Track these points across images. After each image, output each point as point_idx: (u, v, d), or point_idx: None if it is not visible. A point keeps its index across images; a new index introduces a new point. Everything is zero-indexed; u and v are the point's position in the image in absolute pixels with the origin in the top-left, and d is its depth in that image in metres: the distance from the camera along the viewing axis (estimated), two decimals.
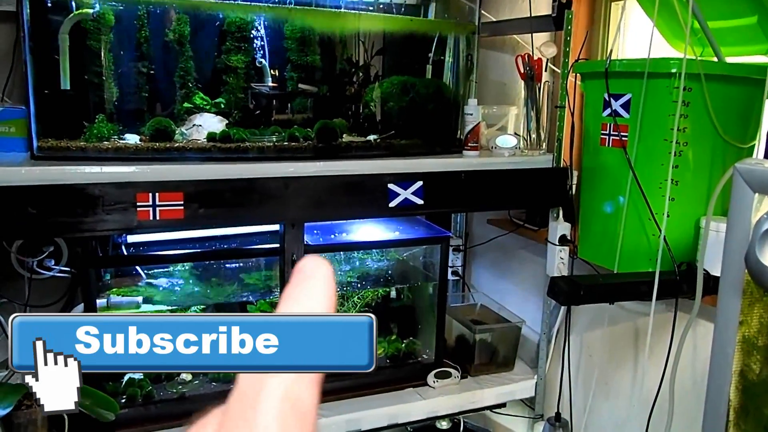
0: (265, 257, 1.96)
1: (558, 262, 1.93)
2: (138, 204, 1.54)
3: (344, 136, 1.89)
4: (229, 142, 1.73)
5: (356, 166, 1.76)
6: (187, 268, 2.01)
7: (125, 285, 1.92)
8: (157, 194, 1.56)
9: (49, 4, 1.67)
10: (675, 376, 1.52)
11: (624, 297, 1.61)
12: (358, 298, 2.09)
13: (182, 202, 1.58)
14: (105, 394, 1.61)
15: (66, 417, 1.60)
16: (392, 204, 1.76)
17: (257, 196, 1.66)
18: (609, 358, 1.98)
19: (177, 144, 1.70)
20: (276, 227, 1.97)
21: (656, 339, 1.69)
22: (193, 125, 1.81)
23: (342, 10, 2.09)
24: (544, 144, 2.04)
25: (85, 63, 1.72)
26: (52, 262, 1.94)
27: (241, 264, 2.06)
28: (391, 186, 1.76)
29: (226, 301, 1.96)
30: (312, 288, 0.30)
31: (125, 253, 1.95)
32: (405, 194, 1.77)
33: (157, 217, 1.57)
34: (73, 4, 1.69)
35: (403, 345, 2.09)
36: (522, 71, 2.04)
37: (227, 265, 2.04)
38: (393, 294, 2.16)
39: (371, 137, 1.93)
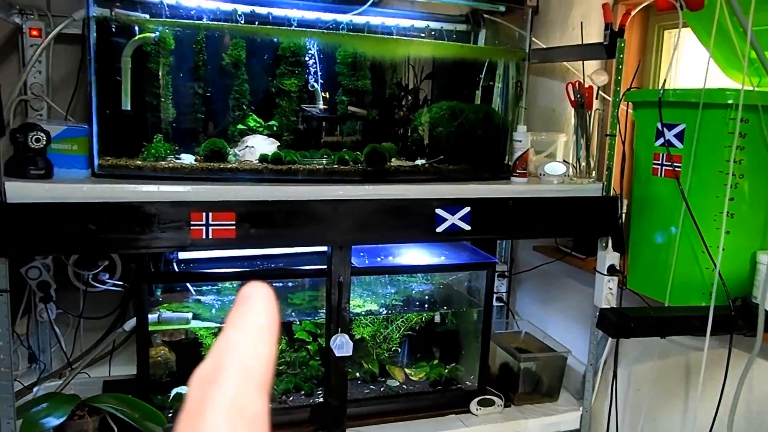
0: (311, 278, 1.98)
1: (606, 293, 1.90)
2: (192, 223, 1.58)
3: (393, 160, 1.90)
4: (280, 163, 1.76)
5: (404, 190, 1.78)
6: (234, 285, 2.04)
7: (175, 300, 1.97)
8: (210, 214, 1.60)
9: (114, 28, 1.74)
10: (734, 415, 1.47)
11: (676, 331, 1.57)
12: (402, 321, 2.09)
13: (234, 222, 1.61)
14: (153, 407, 1.64)
15: (115, 428, 1.63)
16: (439, 229, 1.77)
17: (306, 218, 1.68)
18: (658, 392, 1.93)
19: (230, 165, 1.73)
20: (322, 248, 2.00)
21: (707, 375, 1.64)
22: (246, 146, 1.85)
23: (393, 36, 2.12)
24: (594, 172, 2.02)
25: (145, 85, 1.78)
26: (107, 276, 2.00)
27: (287, 284, 2.09)
28: (438, 211, 1.77)
29: None
30: (251, 310, 0.32)
31: (176, 269, 1.99)
32: (452, 220, 1.78)
33: (210, 236, 1.60)
34: (137, 28, 1.75)
35: (446, 370, 2.07)
36: (572, 98, 2.03)
37: (273, 285, 2.07)
38: (437, 318, 2.15)
39: (419, 162, 1.94)
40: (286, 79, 1.91)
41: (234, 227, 1.62)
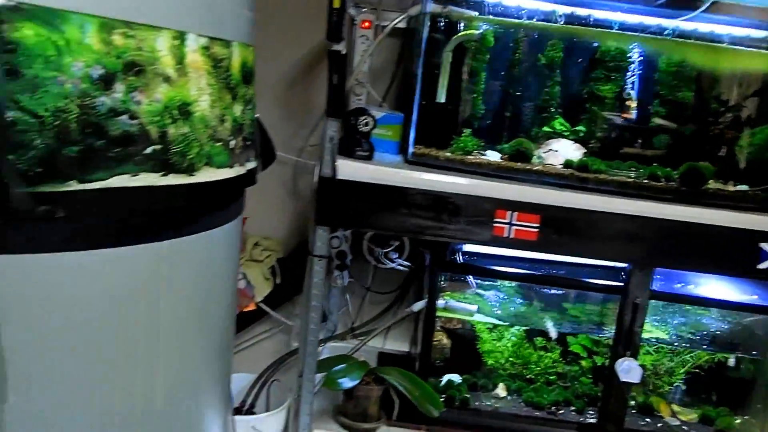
0: (597, 292, 1.90)
1: None
2: (496, 220, 1.60)
3: (710, 181, 1.73)
4: (586, 171, 1.71)
5: (723, 216, 1.61)
6: (512, 285, 2.04)
7: (456, 290, 2.02)
8: (515, 213, 1.60)
9: (441, 24, 1.81)
10: None
11: None
12: (691, 357, 1.91)
13: (538, 225, 1.60)
14: (432, 390, 1.71)
15: (397, 401, 1.73)
16: (762, 266, 1.57)
17: (610, 231, 1.61)
18: None
19: (535, 167, 1.72)
20: (610, 263, 1.91)
21: None
22: (549, 150, 1.82)
23: (724, 44, 1.92)
24: None
25: (460, 80, 1.84)
26: (396, 256, 2.12)
27: (566, 293, 2.03)
28: (763, 245, 1.57)
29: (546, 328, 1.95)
30: None
31: (460, 260, 2.04)
32: None
33: (511, 236, 1.61)
34: (461, 24, 1.81)
35: (737, 422, 1.86)
36: None
37: (550, 291, 2.03)
38: (731, 362, 1.93)
39: (742, 187, 1.74)
40: (601, 84, 1.84)
41: (536, 230, 1.61)
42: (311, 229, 1.69)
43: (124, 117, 0.90)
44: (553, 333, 1.96)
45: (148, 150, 0.94)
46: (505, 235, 1.61)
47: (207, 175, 1.05)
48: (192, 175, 1.01)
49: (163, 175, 0.97)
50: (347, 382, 1.65)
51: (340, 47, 1.57)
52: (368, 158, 1.70)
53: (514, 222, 1.60)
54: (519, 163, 1.72)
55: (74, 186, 0.87)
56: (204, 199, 1.07)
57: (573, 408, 1.88)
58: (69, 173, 0.87)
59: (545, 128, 1.87)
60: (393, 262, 2.13)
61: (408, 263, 2.13)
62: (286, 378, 2.29)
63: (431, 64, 1.80)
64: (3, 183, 0.83)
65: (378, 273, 2.22)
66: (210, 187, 1.06)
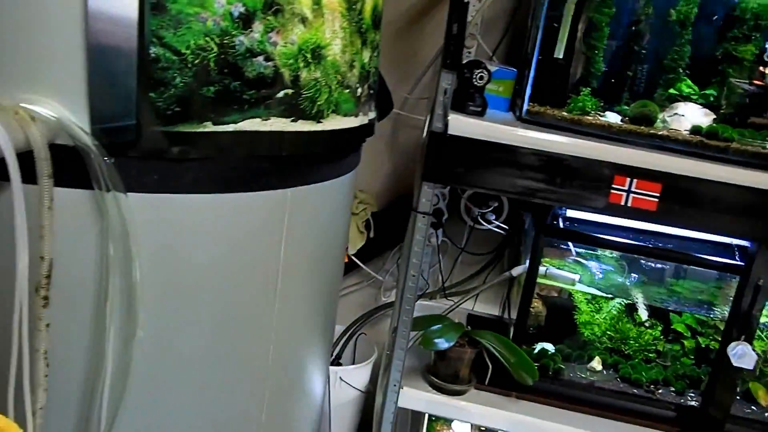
0: (712, 270, 1.78)
1: None
2: (614, 186, 1.51)
3: None
4: (715, 139, 1.58)
5: None
6: (613, 255, 1.95)
7: (555, 257, 1.94)
8: (635, 180, 1.51)
9: None
10: None
11: None
12: None
13: (659, 194, 1.50)
14: (529, 358, 1.66)
15: (490, 366, 1.69)
16: None
17: (740, 205, 1.50)
18: None
19: (659, 131, 1.60)
20: (721, 239, 1.79)
21: None
22: (675, 113, 1.69)
23: None
24: None
25: (580, 34, 1.72)
26: (493, 217, 2.06)
27: (668, 268, 1.92)
28: None
29: (648, 303, 1.86)
30: None
31: (561, 225, 1.96)
32: None
33: (629, 204, 1.52)
34: None
35: None
36: None
37: (653, 265, 1.93)
38: None
39: None
40: (740, 44, 1.68)
41: (656, 199, 1.51)
42: (417, 185, 1.64)
43: (260, 58, 0.87)
44: (644, 313, 1.87)
45: (280, 94, 0.91)
46: (622, 203, 1.51)
47: (333, 123, 1.01)
48: (320, 123, 0.98)
49: (293, 120, 0.94)
50: (443, 343, 1.61)
51: None
52: (481, 114, 1.62)
53: (633, 189, 1.51)
54: (642, 127, 1.61)
55: (209, 127, 0.85)
56: (328, 148, 1.04)
57: (672, 389, 1.79)
58: (205, 114, 0.85)
59: (671, 90, 1.74)
60: (490, 223, 2.07)
61: (505, 226, 2.07)
62: (372, 332, 2.30)
63: (550, 17, 1.69)
64: (139, 122, 0.82)
65: (473, 234, 2.16)
66: (335, 136, 1.02)
